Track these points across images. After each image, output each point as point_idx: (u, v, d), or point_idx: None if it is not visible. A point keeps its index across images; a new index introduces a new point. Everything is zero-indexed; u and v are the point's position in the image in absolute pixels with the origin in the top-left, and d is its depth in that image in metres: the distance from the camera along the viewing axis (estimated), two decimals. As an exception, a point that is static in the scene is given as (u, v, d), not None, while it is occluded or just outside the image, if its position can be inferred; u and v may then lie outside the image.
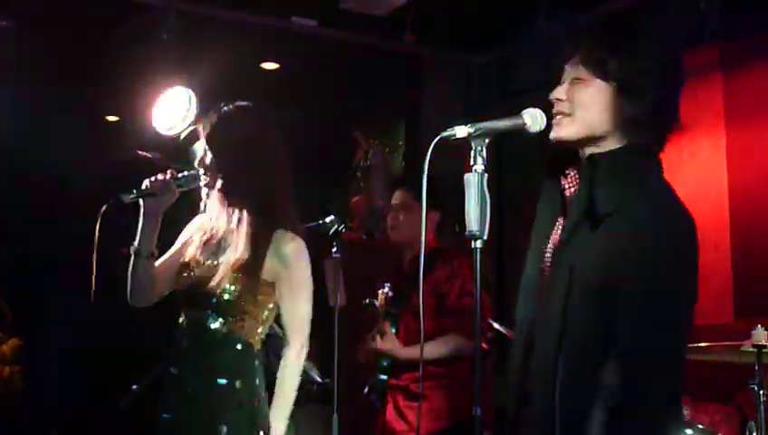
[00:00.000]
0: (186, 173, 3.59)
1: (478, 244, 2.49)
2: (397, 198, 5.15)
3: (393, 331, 4.91)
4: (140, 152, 5.65)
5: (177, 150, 5.70)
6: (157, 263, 3.64)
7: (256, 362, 3.53)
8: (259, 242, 3.50)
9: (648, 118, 2.68)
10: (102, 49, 6.41)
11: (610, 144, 2.70)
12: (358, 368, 5.04)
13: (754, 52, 5.58)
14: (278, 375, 3.51)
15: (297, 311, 3.55)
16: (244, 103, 3.67)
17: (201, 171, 3.59)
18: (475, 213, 2.48)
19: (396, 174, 7.53)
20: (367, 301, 4.91)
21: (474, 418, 2.45)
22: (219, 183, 3.56)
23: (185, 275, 3.61)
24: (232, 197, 3.57)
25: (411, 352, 4.80)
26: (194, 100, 5.91)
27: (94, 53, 6.49)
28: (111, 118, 7.80)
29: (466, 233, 2.49)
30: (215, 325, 3.49)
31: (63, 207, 8.02)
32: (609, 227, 2.56)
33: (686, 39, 5.57)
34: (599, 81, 2.70)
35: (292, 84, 7.16)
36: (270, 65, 7.20)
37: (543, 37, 6.46)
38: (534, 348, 2.65)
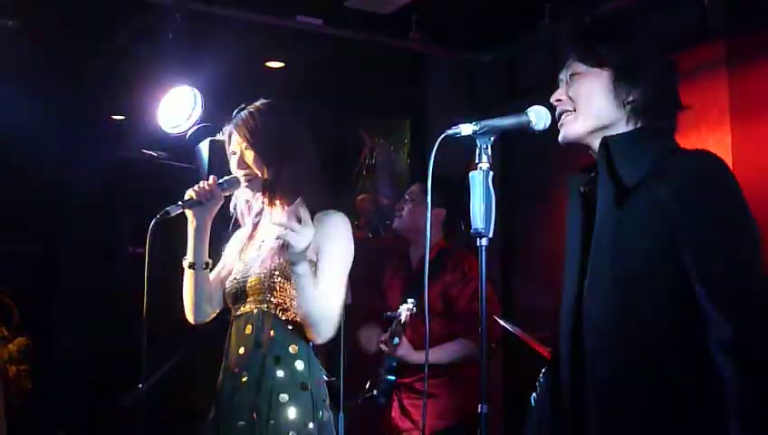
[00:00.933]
0: (227, 178, 3.59)
1: (484, 242, 2.49)
2: (413, 191, 5.18)
3: (396, 341, 4.90)
4: (146, 151, 5.67)
5: (182, 149, 5.72)
6: (210, 276, 3.62)
7: (310, 342, 3.48)
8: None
9: (652, 101, 2.68)
10: (107, 48, 6.42)
11: (618, 131, 2.70)
12: (364, 366, 5.05)
13: (760, 49, 5.57)
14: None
15: (329, 289, 3.41)
16: (266, 101, 3.67)
17: (240, 173, 3.58)
18: (480, 211, 2.49)
19: (401, 172, 7.54)
20: (389, 314, 4.88)
21: (480, 415, 2.45)
22: (262, 180, 3.55)
23: (231, 280, 3.58)
24: (276, 189, 3.55)
25: (422, 357, 4.80)
26: (199, 98, 5.91)
27: (99, 51, 6.50)
28: (117, 117, 7.80)
29: (472, 231, 2.50)
30: (264, 309, 3.45)
31: (70, 206, 8.02)
32: (645, 198, 2.54)
33: (690, 36, 5.57)
34: (594, 69, 2.72)
35: (298, 83, 7.16)
36: (275, 64, 7.20)
37: (549, 35, 6.46)
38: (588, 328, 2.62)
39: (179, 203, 3.51)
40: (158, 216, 3.45)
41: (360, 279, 5.29)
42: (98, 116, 7.58)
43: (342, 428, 4.33)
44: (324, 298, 3.37)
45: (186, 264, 3.58)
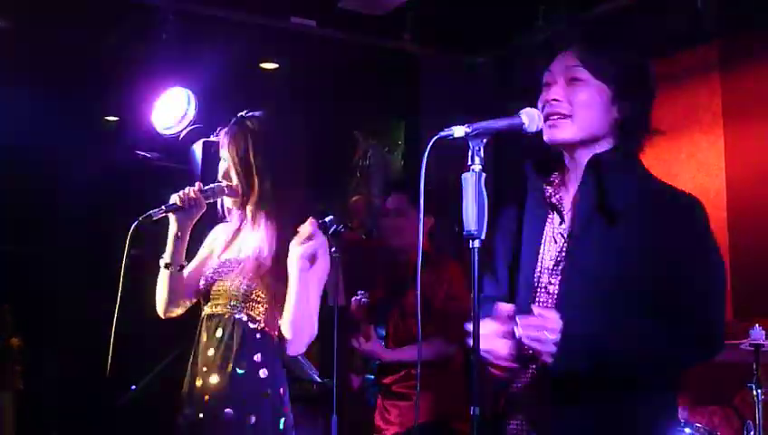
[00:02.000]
0: (212, 185, 3.65)
1: (476, 244, 2.49)
2: (392, 202, 5.16)
3: (382, 333, 4.93)
4: (139, 153, 5.66)
5: (175, 150, 5.72)
6: (185, 272, 3.70)
7: (277, 354, 3.56)
8: (286, 237, 3.50)
9: (638, 121, 2.72)
10: (101, 49, 6.42)
11: (602, 146, 2.74)
12: (355, 367, 5.07)
13: (752, 51, 5.59)
14: None
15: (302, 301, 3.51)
16: (262, 115, 3.71)
17: (224, 182, 3.64)
18: (472, 213, 2.48)
19: (395, 173, 7.54)
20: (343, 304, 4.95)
21: (471, 417, 2.45)
22: (243, 198, 3.62)
23: (207, 277, 3.66)
24: (258, 210, 3.62)
25: (393, 355, 4.86)
26: (193, 100, 5.91)
27: (93, 52, 6.49)
28: (110, 118, 7.80)
29: (464, 233, 2.49)
30: (237, 316, 3.53)
31: (62, 207, 8.02)
32: (629, 222, 2.63)
33: (683, 39, 5.58)
34: (598, 82, 2.72)
35: (291, 84, 7.16)
36: (269, 65, 7.20)
37: (542, 37, 6.47)
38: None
39: (162, 207, 3.57)
40: (140, 218, 3.51)
41: (353, 280, 5.31)
42: (91, 117, 7.58)
43: (336, 429, 4.35)
44: (299, 314, 3.49)
45: (162, 263, 3.67)
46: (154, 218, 3.53)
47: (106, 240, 7.71)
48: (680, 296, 2.59)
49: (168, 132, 5.91)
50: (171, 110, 5.93)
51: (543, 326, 2.54)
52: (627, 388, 2.60)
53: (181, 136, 5.80)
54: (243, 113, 3.69)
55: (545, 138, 2.75)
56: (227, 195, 3.66)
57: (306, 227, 3.38)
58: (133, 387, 4.51)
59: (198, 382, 3.54)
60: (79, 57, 6.59)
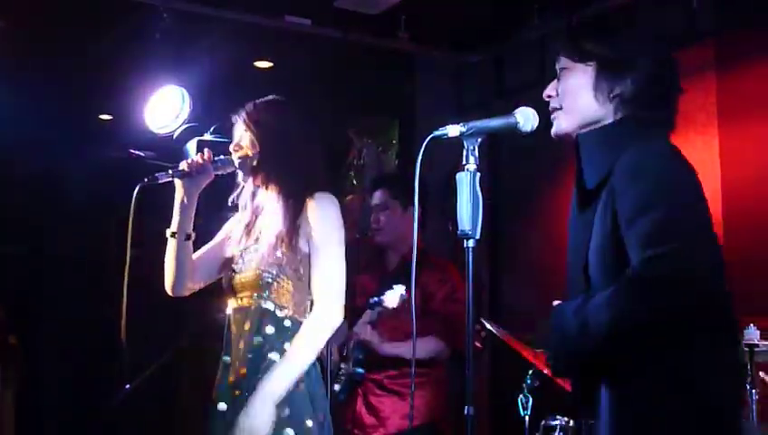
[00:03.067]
0: (222, 157, 3.60)
1: (470, 243, 2.49)
2: (377, 198, 5.13)
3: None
4: (133, 151, 5.65)
5: (169, 149, 5.70)
6: (195, 255, 3.66)
7: None
8: (297, 207, 3.51)
9: (640, 91, 2.68)
10: (95, 48, 6.40)
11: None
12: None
13: (748, 51, 5.58)
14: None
15: (325, 266, 3.48)
16: (277, 97, 3.76)
17: (235, 156, 3.61)
18: (467, 212, 2.48)
19: (389, 172, 7.53)
20: (375, 299, 4.79)
21: (466, 418, 2.45)
22: (253, 163, 3.59)
23: (230, 268, 3.62)
24: (270, 180, 3.59)
25: (392, 349, 4.79)
26: (187, 98, 5.90)
27: (87, 51, 6.48)
28: (104, 117, 7.78)
29: (458, 232, 2.49)
30: (263, 305, 3.49)
31: (57, 206, 8.01)
32: (600, 198, 2.58)
33: (678, 38, 5.57)
34: (579, 65, 2.73)
35: (286, 83, 7.14)
36: (263, 64, 7.19)
37: (537, 35, 6.47)
38: None
39: (169, 172, 3.51)
40: (145, 180, 3.45)
41: (347, 279, 5.29)
42: (85, 116, 7.57)
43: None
44: (326, 274, 3.47)
45: (168, 233, 3.60)
46: (160, 181, 3.48)
47: (101, 239, 7.73)
48: (642, 249, 2.42)
49: (162, 131, 5.90)
50: (165, 108, 5.92)
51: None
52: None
53: (175, 135, 5.78)
54: (252, 104, 3.69)
55: (552, 134, 2.76)
56: (237, 165, 3.61)
57: None
58: (128, 386, 4.49)
59: (231, 377, 3.49)
60: (73, 56, 6.58)
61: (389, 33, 6.81)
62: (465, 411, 2.43)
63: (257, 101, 3.69)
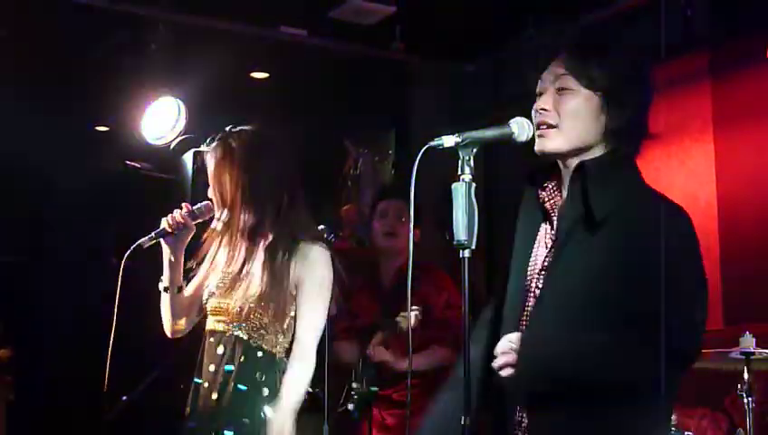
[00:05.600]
0: (200, 205, 3.67)
1: (466, 253, 2.49)
2: (396, 207, 5.13)
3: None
4: (129, 163, 5.66)
5: (166, 161, 5.71)
6: (186, 292, 3.74)
7: (278, 371, 3.58)
8: (283, 250, 3.56)
9: (630, 126, 2.70)
10: (91, 59, 6.40)
11: (594, 154, 2.72)
12: (345, 376, 5.01)
13: (742, 59, 5.59)
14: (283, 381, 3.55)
15: (309, 317, 3.58)
16: (251, 129, 3.72)
17: (214, 197, 3.65)
18: (462, 222, 2.48)
19: (386, 183, 7.53)
20: (390, 320, 4.82)
21: (462, 427, 2.45)
22: (239, 205, 3.61)
23: (209, 292, 3.67)
24: (254, 213, 3.62)
25: (400, 365, 4.80)
26: (183, 110, 5.90)
27: (83, 63, 6.48)
28: (101, 128, 7.78)
29: (454, 242, 2.49)
30: (237, 334, 3.55)
31: (52, 218, 8.00)
32: (609, 230, 2.59)
33: (674, 46, 5.58)
34: (585, 90, 2.71)
35: (282, 94, 7.16)
36: (259, 75, 7.20)
37: (532, 45, 6.47)
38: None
39: (152, 235, 3.60)
40: (131, 248, 3.55)
41: (344, 289, 5.29)
42: (81, 127, 7.56)
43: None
44: (313, 324, 3.58)
45: (161, 287, 3.70)
46: (145, 247, 3.58)
47: (96, 251, 7.72)
48: (653, 304, 2.51)
49: (158, 142, 5.90)
50: (162, 120, 5.92)
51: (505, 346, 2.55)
52: (610, 402, 2.56)
53: (171, 146, 5.79)
54: (228, 128, 3.69)
55: (535, 149, 2.74)
56: (217, 204, 3.65)
57: None
58: (124, 398, 4.49)
59: (201, 401, 3.56)
60: (69, 67, 6.58)
61: (385, 44, 6.82)
62: (462, 421, 2.43)
63: (233, 140, 3.68)
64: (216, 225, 3.69)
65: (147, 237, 3.56)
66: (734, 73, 5.66)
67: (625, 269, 2.56)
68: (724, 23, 5.55)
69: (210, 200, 3.66)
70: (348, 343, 5.04)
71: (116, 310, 3.51)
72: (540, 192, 2.82)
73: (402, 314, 4.73)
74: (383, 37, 6.75)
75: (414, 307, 4.65)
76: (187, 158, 5.40)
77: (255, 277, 3.55)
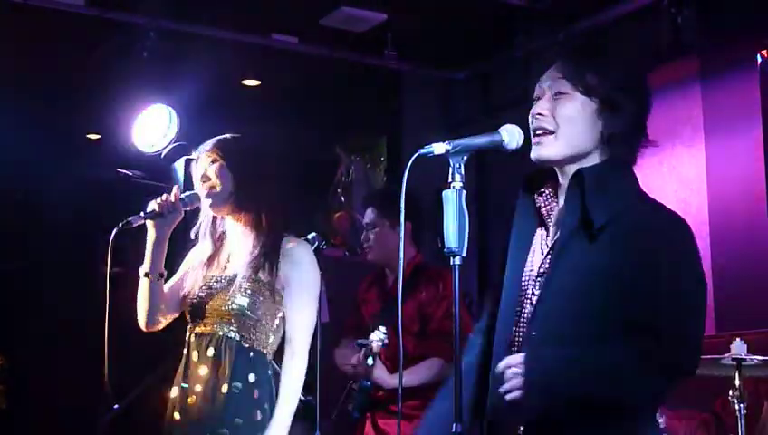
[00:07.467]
0: (189, 193, 3.66)
1: (457, 260, 2.49)
2: (367, 216, 5.11)
3: (370, 361, 4.78)
4: (121, 170, 5.65)
5: (157, 168, 5.70)
6: (165, 287, 3.70)
7: (269, 371, 3.57)
8: (271, 250, 3.56)
9: (626, 133, 2.70)
10: (83, 66, 6.41)
11: (592, 160, 2.71)
12: (338, 384, 5.00)
13: (732, 64, 5.61)
14: (279, 385, 3.54)
15: (299, 315, 3.59)
16: (238, 135, 3.75)
17: (203, 189, 3.64)
18: (453, 230, 2.48)
19: (379, 190, 7.53)
20: (360, 341, 4.80)
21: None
22: (223, 193, 3.61)
23: (193, 294, 3.65)
24: (242, 210, 3.63)
25: (395, 382, 4.73)
26: (174, 117, 5.90)
27: (75, 70, 6.49)
28: (92, 135, 7.78)
29: (445, 250, 2.49)
30: (228, 335, 3.54)
31: (45, 224, 7.99)
32: (609, 238, 2.59)
33: (664, 52, 5.59)
34: (582, 96, 2.70)
35: (273, 100, 7.16)
36: (251, 82, 7.20)
37: (523, 52, 6.48)
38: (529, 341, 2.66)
39: (141, 214, 3.57)
40: (119, 225, 3.52)
41: (336, 297, 5.29)
42: (73, 134, 7.56)
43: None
44: (304, 323, 3.60)
45: (142, 272, 3.65)
46: (134, 225, 3.54)
47: (89, 258, 7.70)
48: (655, 316, 2.55)
49: (149, 150, 5.90)
50: (153, 127, 5.92)
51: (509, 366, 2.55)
52: (609, 416, 2.58)
53: (163, 154, 5.78)
54: (216, 138, 3.71)
55: (532, 156, 2.73)
56: (205, 199, 3.63)
57: None
58: (116, 406, 4.47)
59: (191, 402, 3.52)
60: (61, 74, 6.58)
61: (376, 51, 6.83)
62: (453, 429, 2.42)
63: (219, 137, 3.71)
64: (204, 227, 3.70)
65: (135, 216, 3.54)
66: (723, 79, 5.68)
67: (625, 277, 2.56)
68: (714, 29, 5.57)
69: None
70: (350, 351, 4.99)
71: (107, 290, 3.47)
72: (536, 198, 2.81)
73: (373, 333, 4.66)
74: (374, 45, 6.76)
75: (381, 328, 4.62)
76: (179, 165, 5.39)
77: (243, 278, 3.54)
